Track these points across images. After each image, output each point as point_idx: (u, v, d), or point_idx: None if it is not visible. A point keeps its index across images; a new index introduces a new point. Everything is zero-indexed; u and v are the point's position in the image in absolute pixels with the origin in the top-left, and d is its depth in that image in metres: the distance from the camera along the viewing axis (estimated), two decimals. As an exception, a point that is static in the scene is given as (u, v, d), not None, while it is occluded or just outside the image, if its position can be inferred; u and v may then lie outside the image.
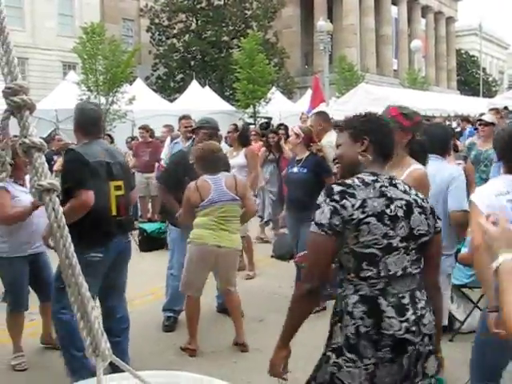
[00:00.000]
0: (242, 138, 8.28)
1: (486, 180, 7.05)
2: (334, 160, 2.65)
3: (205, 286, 5.18)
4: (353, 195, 2.28)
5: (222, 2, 41.09)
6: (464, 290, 5.41)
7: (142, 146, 12.13)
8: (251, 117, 26.89)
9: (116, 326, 4.47)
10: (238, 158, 7.84)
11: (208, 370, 4.84)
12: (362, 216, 2.25)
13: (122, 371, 1.36)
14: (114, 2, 42.72)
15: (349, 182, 2.35)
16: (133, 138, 14.18)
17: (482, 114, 9.15)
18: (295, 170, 6.14)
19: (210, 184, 4.98)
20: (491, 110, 9.81)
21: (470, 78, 64.18)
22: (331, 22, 34.00)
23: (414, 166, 3.42)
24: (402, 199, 2.37)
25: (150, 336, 5.58)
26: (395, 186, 2.41)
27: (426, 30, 58.16)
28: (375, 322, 2.25)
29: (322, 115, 7.31)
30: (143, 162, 11.83)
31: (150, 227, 9.84)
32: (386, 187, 2.36)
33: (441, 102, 23.14)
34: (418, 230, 2.37)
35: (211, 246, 4.94)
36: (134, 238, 9.62)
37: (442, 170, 4.09)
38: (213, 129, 5.87)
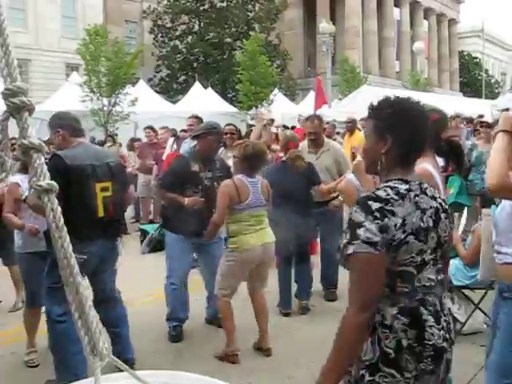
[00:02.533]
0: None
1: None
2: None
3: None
4: (392, 213, 2.09)
5: (224, 4, 41.11)
6: (465, 291, 5.41)
7: (147, 147, 12.09)
8: (253, 118, 26.91)
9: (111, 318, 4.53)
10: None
11: (208, 371, 4.85)
12: (402, 236, 2.09)
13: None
14: (117, 3, 42.80)
15: (383, 195, 2.13)
16: (135, 140, 14.14)
17: (481, 116, 9.17)
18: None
19: (249, 187, 4.95)
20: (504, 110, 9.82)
21: (473, 79, 64.12)
22: (334, 24, 34.06)
23: (422, 165, 3.02)
24: (431, 207, 2.22)
25: (150, 337, 5.59)
26: (425, 192, 2.25)
27: (429, 31, 58.14)
28: (418, 333, 2.14)
29: (321, 119, 7.08)
30: (146, 164, 11.78)
31: (151, 228, 9.84)
32: (418, 196, 2.19)
33: (443, 104, 23.12)
34: (444, 237, 2.27)
35: (257, 247, 4.96)
36: (135, 239, 9.65)
37: None
38: (220, 135, 5.65)
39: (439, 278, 2.26)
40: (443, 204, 2.31)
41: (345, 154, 6.72)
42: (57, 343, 4.30)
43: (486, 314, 5.32)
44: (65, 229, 1.15)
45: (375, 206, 2.09)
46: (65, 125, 4.49)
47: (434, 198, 2.27)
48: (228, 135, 8.28)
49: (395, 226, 2.08)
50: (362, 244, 2.05)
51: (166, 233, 5.87)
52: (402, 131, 2.22)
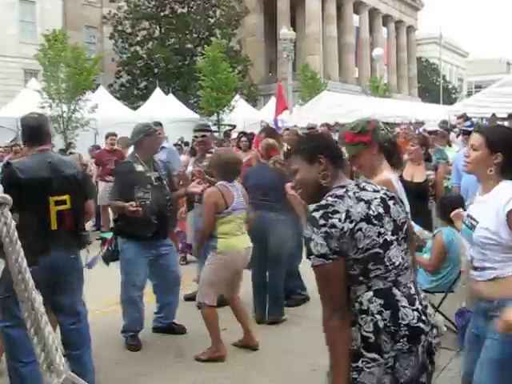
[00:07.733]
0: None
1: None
2: (294, 187, 2.65)
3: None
4: (335, 211, 2.28)
5: (185, 10, 40.95)
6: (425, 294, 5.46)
7: (107, 154, 11.87)
8: (215, 124, 26.86)
9: (72, 339, 4.29)
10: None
11: (174, 380, 4.83)
12: (351, 226, 2.26)
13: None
14: (77, 8, 42.27)
15: (323, 202, 2.33)
16: (97, 147, 13.92)
17: (444, 122, 9.36)
18: None
19: (233, 192, 5.15)
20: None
21: (431, 85, 65.19)
22: (294, 30, 34.24)
23: (382, 174, 3.35)
24: (376, 198, 2.40)
25: (114, 346, 5.50)
26: (364, 189, 2.43)
27: (388, 38, 58.96)
28: (392, 313, 2.28)
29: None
30: (108, 171, 11.54)
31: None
32: (358, 192, 2.38)
33: (402, 109, 23.47)
34: (400, 220, 2.44)
35: (243, 250, 5.20)
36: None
37: None
38: (156, 131, 5.82)
39: (408, 260, 2.44)
40: (388, 193, 2.50)
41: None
42: (8, 352, 4.15)
43: (445, 317, 5.40)
44: (19, 243, 1.13)
45: (318, 214, 2.28)
46: (24, 130, 4.31)
47: (376, 190, 2.46)
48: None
49: (340, 220, 2.26)
50: (315, 258, 2.26)
51: (122, 248, 5.56)
52: (330, 147, 2.55)
